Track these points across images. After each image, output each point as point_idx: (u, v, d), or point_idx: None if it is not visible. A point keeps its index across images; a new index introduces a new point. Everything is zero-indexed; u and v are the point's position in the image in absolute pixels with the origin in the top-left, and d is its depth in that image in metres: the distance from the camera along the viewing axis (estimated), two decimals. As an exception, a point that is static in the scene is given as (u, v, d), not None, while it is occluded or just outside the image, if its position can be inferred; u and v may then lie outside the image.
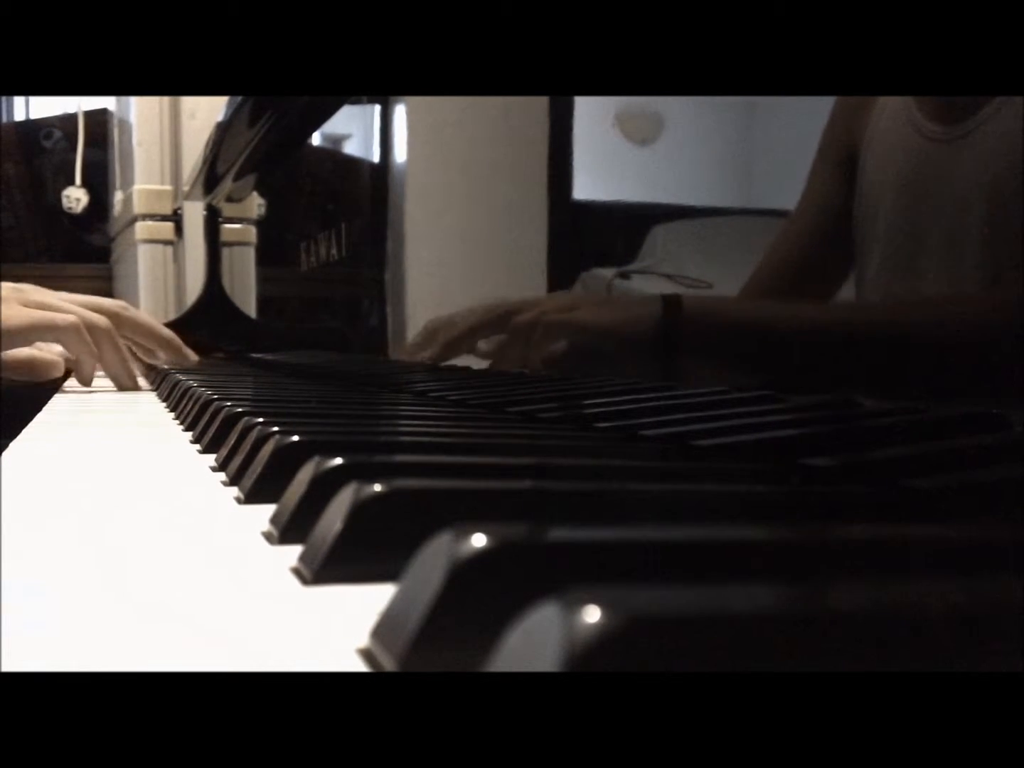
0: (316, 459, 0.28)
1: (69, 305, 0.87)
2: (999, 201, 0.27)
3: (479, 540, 0.18)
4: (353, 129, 0.97)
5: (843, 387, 0.32)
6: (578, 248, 0.51)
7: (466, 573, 0.17)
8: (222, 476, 0.38)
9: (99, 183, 2.54)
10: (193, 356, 0.99)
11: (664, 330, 0.40)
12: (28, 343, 0.86)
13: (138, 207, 2.02)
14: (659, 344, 0.41)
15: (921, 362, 0.29)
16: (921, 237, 0.29)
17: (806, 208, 0.34)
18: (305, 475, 0.28)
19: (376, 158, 0.84)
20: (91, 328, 0.86)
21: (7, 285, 0.86)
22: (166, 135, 2.02)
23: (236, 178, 1.44)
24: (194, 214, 1.87)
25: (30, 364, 0.90)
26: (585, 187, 0.52)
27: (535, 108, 0.52)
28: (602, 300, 0.47)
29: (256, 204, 1.45)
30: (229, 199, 1.57)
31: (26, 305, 0.83)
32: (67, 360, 0.92)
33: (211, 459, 0.43)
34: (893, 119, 0.31)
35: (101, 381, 0.96)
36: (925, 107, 0.30)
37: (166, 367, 0.94)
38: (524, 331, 0.52)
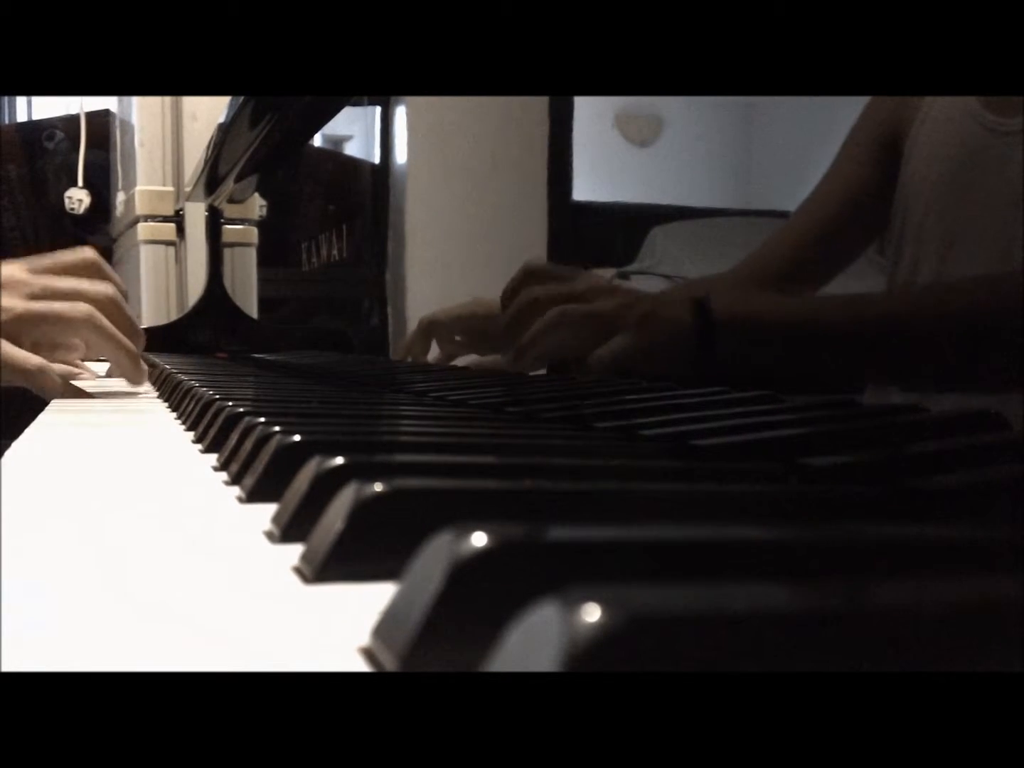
0: (317, 459, 0.28)
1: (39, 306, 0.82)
2: None
3: (479, 540, 0.18)
4: (354, 130, 0.98)
5: (876, 383, 0.32)
6: (578, 248, 0.51)
7: (466, 572, 0.17)
8: (224, 476, 0.38)
9: (101, 184, 2.55)
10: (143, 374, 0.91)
11: (698, 335, 0.40)
12: None
13: (140, 208, 2.02)
14: (693, 349, 0.40)
15: (963, 355, 0.29)
16: (973, 228, 0.29)
17: (831, 188, 0.34)
18: (306, 475, 0.28)
19: (377, 159, 0.85)
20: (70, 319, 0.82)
21: None
22: (168, 136, 2.02)
23: (237, 179, 1.45)
24: (196, 215, 1.87)
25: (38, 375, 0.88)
26: (585, 187, 0.52)
27: (535, 108, 0.52)
28: (644, 313, 0.46)
29: (257, 205, 1.45)
30: (231, 200, 1.57)
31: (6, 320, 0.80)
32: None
33: (213, 459, 0.43)
34: (949, 107, 0.31)
35: (100, 380, 0.96)
36: (987, 99, 0.29)
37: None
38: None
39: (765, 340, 0.37)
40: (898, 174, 0.32)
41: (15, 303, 0.81)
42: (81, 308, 0.83)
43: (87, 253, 0.95)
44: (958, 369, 0.29)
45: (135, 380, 0.86)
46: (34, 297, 0.83)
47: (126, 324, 0.86)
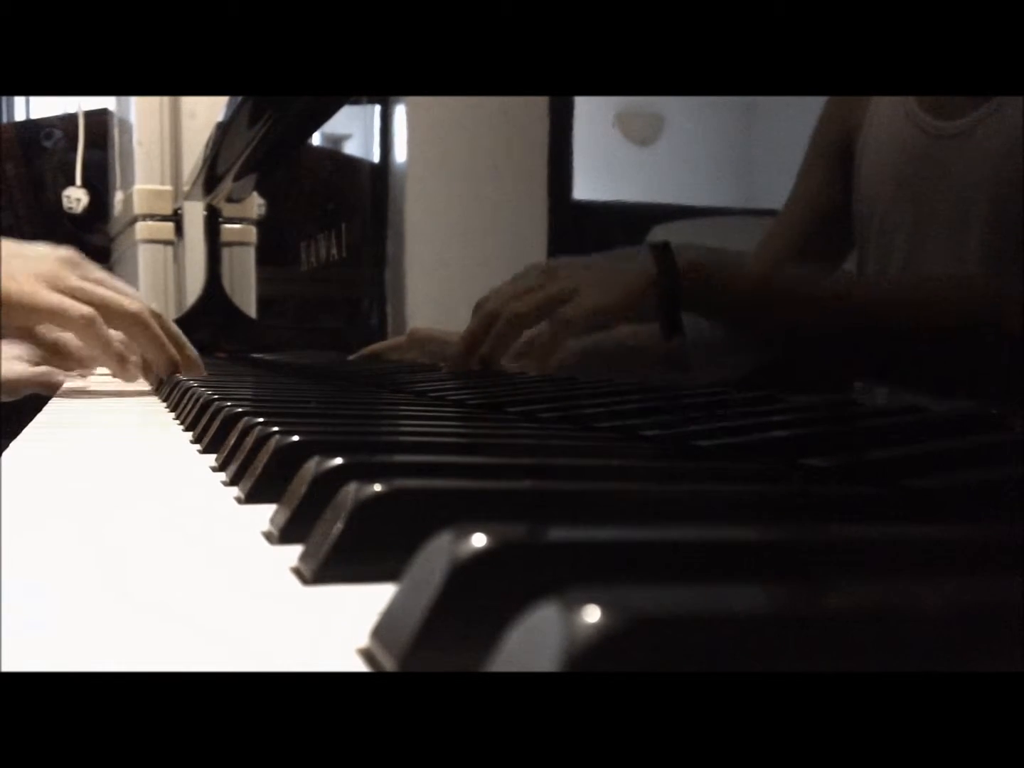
0: (316, 459, 0.28)
1: (96, 292, 0.82)
2: (999, 197, 0.27)
3: (479, 540, 0.18)
4: (353, 129, 0.97)
5: (837, 355, 0.32)
6: (578, 248, 0.51)
7: (466, 573, 0.17)
8: (222, 476, 0.38)
9: (99, 183, 2.54)
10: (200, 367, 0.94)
11: (661, 284, 0.40)
12: (28, 322, 0.83)
13: (138, 207, 2.02)
14: (659, 301, 0.40)
15: (913, 346, 0.29)
16: (920, 233, 0.29)
17: (798, 202, 0.34)
18: (305, 475, 0.28)
19: (376, 158, 0.84)
20: (121, 317, 0.82)
21: (55, 258, 0.80)
22: (166, 135, 2.02)
23: (236, 178, 1.44)
24: (194, 214, 1.87)
25: (44, 382, 0.89)
26: (585, 187, 0.52)
27: (535, 108, 0.52)
28: (596, 274, 0.46)
29: (256, 204, 1.45)
30: (229, 199, 1.57)
31: (57, 288, 0.79)
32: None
33: (211, 459, 0.43)
34: (891, 114, 0.31)
35: (99, 378, 0.96)
36: (925, 102, 0.30)
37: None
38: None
39: (727, 290, 0.37)
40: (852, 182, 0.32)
41: (71, 280, 0.80)
42: (134, 303, 0.83)
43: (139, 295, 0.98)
44: (931, 367, 0.29)
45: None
46: (87, 280, 0.82)
47: (173, 337, 0.87)
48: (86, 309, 0.78)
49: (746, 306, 0.37)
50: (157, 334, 0.84)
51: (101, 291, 0.82)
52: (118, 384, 0.91)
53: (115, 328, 0.82)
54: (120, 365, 0.83)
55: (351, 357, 0.87)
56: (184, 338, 0.90)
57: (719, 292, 0.38)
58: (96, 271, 0.85)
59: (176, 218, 2.01)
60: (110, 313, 0.80)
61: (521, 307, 0.52)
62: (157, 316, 0.86)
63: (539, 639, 0.14)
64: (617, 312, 0.44)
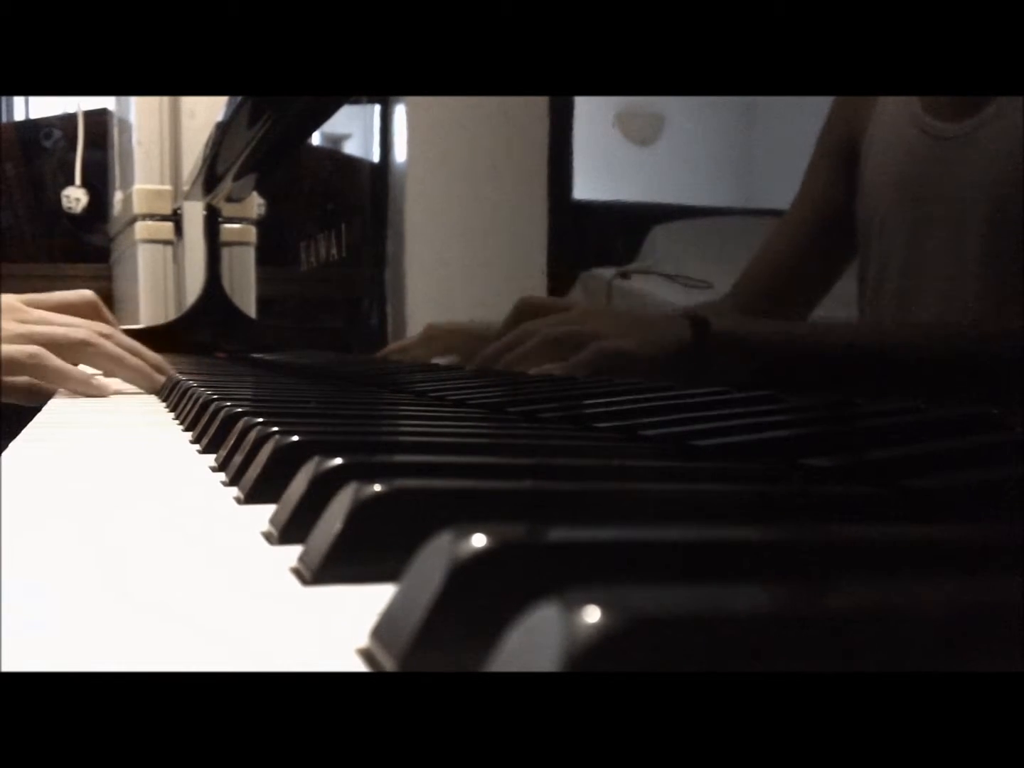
0: (316, 459, 0.28)
1: (40, 328, 0.83)
2: (1004, 200, 0.27)
3: (479, 540, 0.18)
4: (353, 129, 0.97)
5: (840, 362, 0.32)
6: (578, 248, 0.51)
7: (466, 573, 0.17)
8: (222, 476, 0.38)
9: (99, 183, 2.54)
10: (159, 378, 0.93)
11: (693, 353, 0.40)
12: None
13: (138, 207, 2.01)
14: (687, 365, 0.41)
15: (957, 376, 0.29)
16: (924, 235, 0.29)
17: (803, 203, 0.34)
18: (305, 475, 0.28)
19: (376, 158, 0.84)
20: (71, 346, 0.83)
21: None
22: (166, 135, 2.02)
23: (236, 178, 1.44)
24: (194, 214, 1.87)
25: (28, 390, 0.89)
26: (585, 187, 0.52)
27: (535, 108, 0.52)
28: (628, 321, 0.48)
29: (256, 204, 1.45)
30: (229, 199, 1.57)
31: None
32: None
33: (211, 459, 0.43)
34: (895, 115, 0.31)
35: (98, 378, 0.95)
36: (929, 104, 0.30)
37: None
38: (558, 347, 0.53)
39: (758, 361, 0.38)
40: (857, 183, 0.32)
41: (12, 326, 0.82)
42: (80, 330, 0.84)
43: (86, 293, 0.98)
44: (931, 368, 0.29)
45: (152, 390, 0.88)
46: (28, 323, 0.84)
47: (129, 350, 0.87)
48: (31, 349, 0.80)
49: (764, 366, 0.37)
50: (113, 352, 0.85)
51: (42, 328, 0.84)
52: (118, 383, 0.90)
53: (69, 359, 0.83)
54: (87, 386, 0.83)
55: (378, 355, 0.87)
56: (140, 346, 0.91)
57: (742, 363, 0.39)
58: (35, 312, 0.87)
59: (176, 218, 2.01)
60: (58, 347, 0.82)
61: (562, 333, 0.53)
62: (106, 335, 0.87)
63: (539, 639, 0.14)
64: (645, 363, 0.45)
